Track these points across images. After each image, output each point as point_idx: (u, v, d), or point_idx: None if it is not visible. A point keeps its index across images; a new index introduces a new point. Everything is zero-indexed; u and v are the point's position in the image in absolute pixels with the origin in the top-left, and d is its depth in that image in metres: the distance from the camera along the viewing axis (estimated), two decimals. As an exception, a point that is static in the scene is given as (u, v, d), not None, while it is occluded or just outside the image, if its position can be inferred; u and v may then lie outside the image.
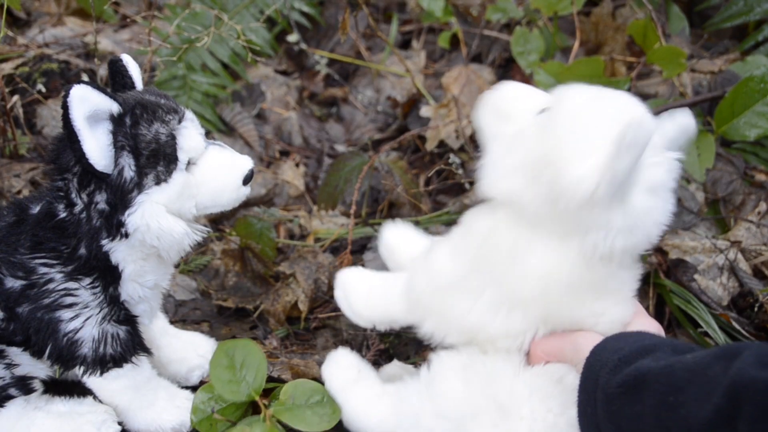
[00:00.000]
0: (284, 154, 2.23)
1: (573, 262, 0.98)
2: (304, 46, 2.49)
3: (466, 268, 1.06)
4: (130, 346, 1.25)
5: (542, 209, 0.96)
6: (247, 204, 1.88)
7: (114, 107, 1.09)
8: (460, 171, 1.94)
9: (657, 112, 2.04)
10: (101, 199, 1.13)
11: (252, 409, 1.34)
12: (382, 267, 1.78)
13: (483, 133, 1.08)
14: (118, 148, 1.10)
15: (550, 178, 0.94)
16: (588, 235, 0.96)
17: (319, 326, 1.66)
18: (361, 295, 1.27)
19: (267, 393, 1.33)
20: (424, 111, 2.18)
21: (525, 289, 1.01)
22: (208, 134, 1.73)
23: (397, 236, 1.38)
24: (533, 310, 1.03)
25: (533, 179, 0.96)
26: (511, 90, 1.08)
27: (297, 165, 2.17)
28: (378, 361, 1.54)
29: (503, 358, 1.07)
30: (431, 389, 1.12)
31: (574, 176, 0.90)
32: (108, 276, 1.19)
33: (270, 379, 1.37)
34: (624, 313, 1.03)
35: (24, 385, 1.27)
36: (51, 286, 1.17)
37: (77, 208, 1.14)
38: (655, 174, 0.97)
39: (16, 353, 1.23)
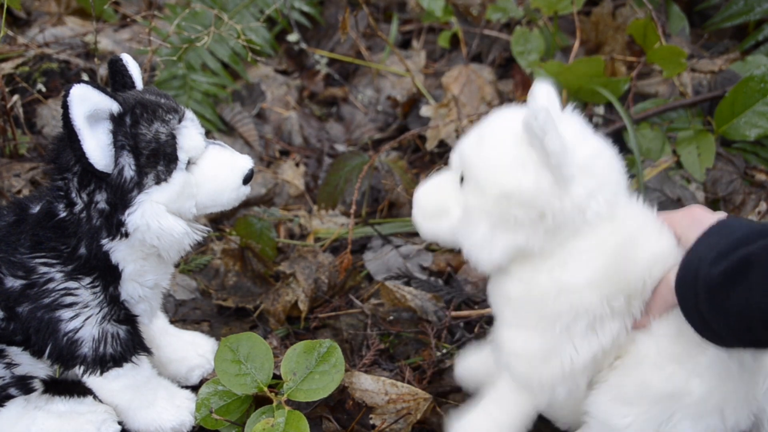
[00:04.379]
0: (284, 153, 2.23)
1: (594, 244, 1.05)
2: (304, 45, 2.49)
3: (541, 330, 1.08)
4: (130, 345, 1.25)
5: (538, 235, 1.03)
6: (247, 203, 1.88)
7: (114, 107, 1.09)
8: (460, 171, 1.94)
9: (658, 112, 2.04)
10: (101, 199, 1.12)
11: (255, 404, 1.34)
12: (382, 267, 1.79)
13: (440, 236, 1.15)
14: (118, 147, 1.10)
15: (520, 210, 1.02)
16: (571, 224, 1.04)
17: (319, 326, 1.66)
18: None
19: (269, 389, 1.33)
20: (424, 110, 2.18)
21: (592, 298, 1.05)
22: (208, 134, 1.73)
23: (472, 369, 1.39)
24: (615, 302, 1.06)
25: (508, 221, 1.03)
26: (422, 193, 1.16)
27: (297, 165, 2.17)
28: (377, 360, 1.54)
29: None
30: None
31: (531, 189, 1.00)
32: (108, 275, 1.19)
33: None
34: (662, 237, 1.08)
35: (24, 385, 1.27)
36: (51, 285, 1.17)
37: (77, 208, 1.14)
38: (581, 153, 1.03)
39: (16, 353, 1.23)
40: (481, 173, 1.05)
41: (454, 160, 1.14)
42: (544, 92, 1.10)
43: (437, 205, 1.13)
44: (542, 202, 1.01)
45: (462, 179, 1.10)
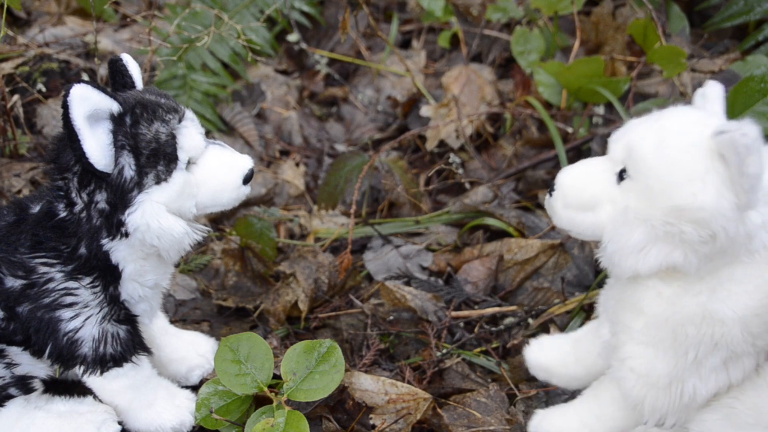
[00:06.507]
0: (284, 153, 2.23)
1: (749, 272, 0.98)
2: (304, 45, 2.49)
3: (673, 354, 1.02)
4: (130, 345, 1.25)
5: (699, 256, 0.95)
6: (247, 203, 1.88)
7: (114, 107, 1.09)
8: (461, 170, 1.94)
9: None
10: (101, 199, 1.12)
11: (255, 404, 1.34)
12: (382, 267, 1.79)
13: (578, 229, 1.06)
14: (118, 147, 1.10)
15: (690, 227, 0.93)
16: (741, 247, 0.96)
17: (319, 326, 1.66)
18: None
19: (269, 389, 1.33)
20: (425, 110, 2.18)
21: (737, 334, 0.98)
22: (208, 134, 1.73)
23: (546, 356, 1.34)
24: (760, 341, 1.00)
25: (673, 235, 0.95)
26: (571, 179, 1.05)
27: (297, 164, 2.17)
28: (377, 360, 1.54)
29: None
30: None
31: (710, 207, 0.91)
32: (108, 275, 1.19)
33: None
34: None
35: (24, 385, 1.27)
36: (51, 285, 1.17)
37: (77, 208, 1.14)
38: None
39: (16, 353, 1.23)
40: (656, 178, 0.95)
41: (615, 151, 1.02)
42: (716, 94, 1.02)
43: (586, 197, 1.03)
44: (718, 223, 0.92)
45: (622, 174, 1.00)
